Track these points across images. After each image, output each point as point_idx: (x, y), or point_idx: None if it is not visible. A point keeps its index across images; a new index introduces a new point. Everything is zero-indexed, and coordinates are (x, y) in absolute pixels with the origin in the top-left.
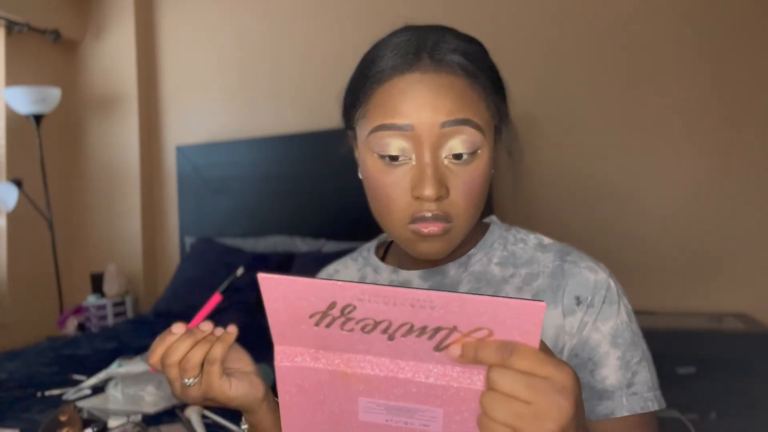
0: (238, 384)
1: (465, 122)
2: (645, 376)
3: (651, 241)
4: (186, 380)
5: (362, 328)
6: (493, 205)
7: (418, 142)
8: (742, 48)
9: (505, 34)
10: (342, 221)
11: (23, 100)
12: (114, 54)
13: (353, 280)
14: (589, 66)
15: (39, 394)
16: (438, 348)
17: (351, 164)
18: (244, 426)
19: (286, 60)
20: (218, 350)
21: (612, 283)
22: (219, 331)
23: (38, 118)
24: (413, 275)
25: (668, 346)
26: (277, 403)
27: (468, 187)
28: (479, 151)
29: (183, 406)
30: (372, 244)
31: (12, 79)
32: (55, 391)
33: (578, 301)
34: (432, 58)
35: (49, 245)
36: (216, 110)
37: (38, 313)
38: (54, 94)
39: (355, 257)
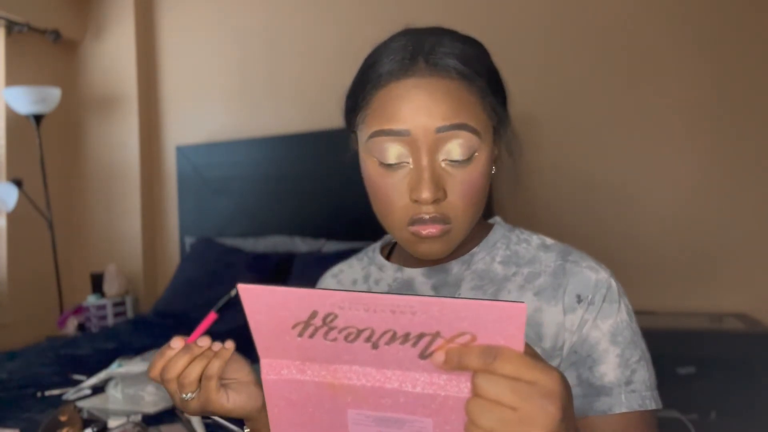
0: (236, 396)
1: (460, 126)
2: (644, 375)
3: (651, 241)
4: (184, 395)
5: (345, 338)
6: (492, 204)
7: (415, 146)
8: (742, 48)
9: (506, 34)
10: (342, 221)
11: (23, 100)
12: (114, 54)
13: (345, 288)
14: (589, 66)
15: (39, 394)
16: (423, 356)
17: (351, 164)
18: (247, 431)
19: (285, 60)
20: (215, 366)
21: (613, 283)
22: (217, 346)
23: (38, 118)
24: (416, 273)
25: (668, 346)
26: None
27: (465, 188)
28: (476, 154)
29: None
30: (377, 245)
31: (12, 79)
32: (55, 391)
33: (579, 299)
34: (428, 62)
35: (49, 245)
36: (216, 110)
37: (38, 313)
38: (54, 94)
39: (360, 257)
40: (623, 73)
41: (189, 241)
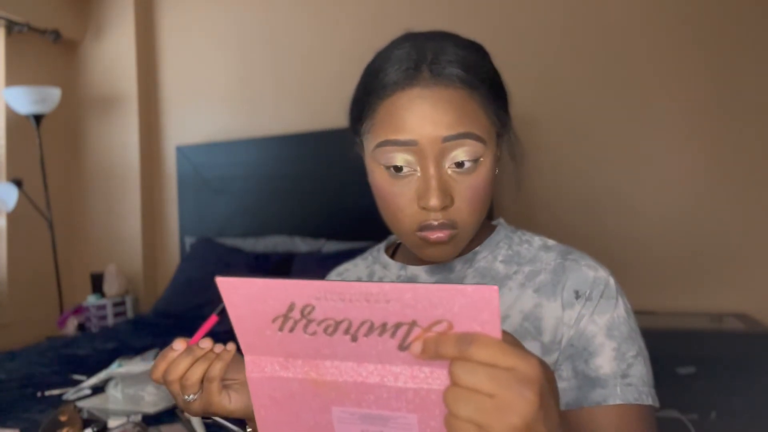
0: (238, 397)
1: (466, 135)
2: (641, 370)
3: (651, 241)
4: (186, 396)
5: (324, 330)
6: (493, 206)
7: (422, 155)
8: (741, 49)
9: (506, 35)
10: (342, 221)
11: (23, 100)
12: (114, 54)
13: (319, 280)
14: (589, 66)
15: (39, 394)
16: (401, 347)
17: (351, 164)
18: (249, 430)
19: (286, 60)
20: (217, 368)
21: (611, 281)
22: (219, 348)
23: (38, 118)
24: (420, 270)
25: (668, 346)
26: None
27: (471, 194)
28: (481, 159)
29: None
30: (382, 245)
31: (12, 79)
32: (55, 391)
33: (577, 295)
34: (432, 71)
35: (49, 245)
36: (216, 110)
37: (38, 313)
38: (54, 94)
39: (365, 257)
40: (624, 74)
41: (189, 241)
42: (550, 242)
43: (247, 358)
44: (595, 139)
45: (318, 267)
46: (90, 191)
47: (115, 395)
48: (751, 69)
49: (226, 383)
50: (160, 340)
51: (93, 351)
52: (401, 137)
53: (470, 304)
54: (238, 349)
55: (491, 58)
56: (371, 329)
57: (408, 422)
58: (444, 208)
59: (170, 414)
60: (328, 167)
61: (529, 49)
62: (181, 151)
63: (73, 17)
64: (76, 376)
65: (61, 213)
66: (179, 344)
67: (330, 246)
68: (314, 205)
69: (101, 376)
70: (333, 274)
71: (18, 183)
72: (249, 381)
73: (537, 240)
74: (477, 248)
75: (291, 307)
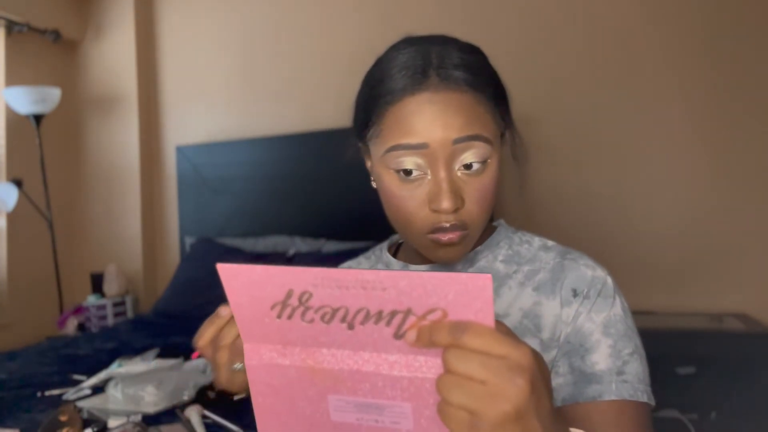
0: None
1: (475, 138)
2: (637, 368)
3: (651, 241)
4: (235, 366)
5: (321, 318)
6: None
7: (432, 158)
8: (741, 50)
9: (506, 36)
10: (342, 221)
11: (23, 100)
12: (114, 54)
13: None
14: (590, 66)
15: (39, 394)
16: (397, 335)
17: (351, 165)
18: None
19: (286, 60)
20: None
21: (609, 280)
22: None
23: (38, 118)
24: (422, 269)
25: (668, 346)
26: None
27: (480, 195)
28: (488, 161)
29: (183, 406)
30: (384, 244)
31: (12, 79)
32: (55, 391)
33: (575, 293)
34: (439, 76)
35: (49, 245)
36: (216, 110)
37: (38, 313)
38: (54, 94)
39: (368, 255)
40: (624, 73)
41: (189, 241)
42: (550, 243)
43: (245, 345)
44: (595, 139)
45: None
46: (90, 191)
47: (115, 395)
48: (751, 70)
49: None
50: (160, 340)
51: (93, 351)
52: (412, 141)
53: (464, 291)
54: None
55: (489, 61)
56: (367, 317)
57: (402, 411)
58: (456, 210)
59: (170, 414)
60: (328, 167)
61: (529, 49)
62: (181, 151)
63: (73, 17)
64: (76, 376)
65: (61, 213)
66: (225, 310)
67: (330, 246)
68: (314, 205)
69: (101, 376)
70: None
71: (18, 183)
72: (247, 369)
73: (537, 240)
74: (478, 248)
75: (289, 294)
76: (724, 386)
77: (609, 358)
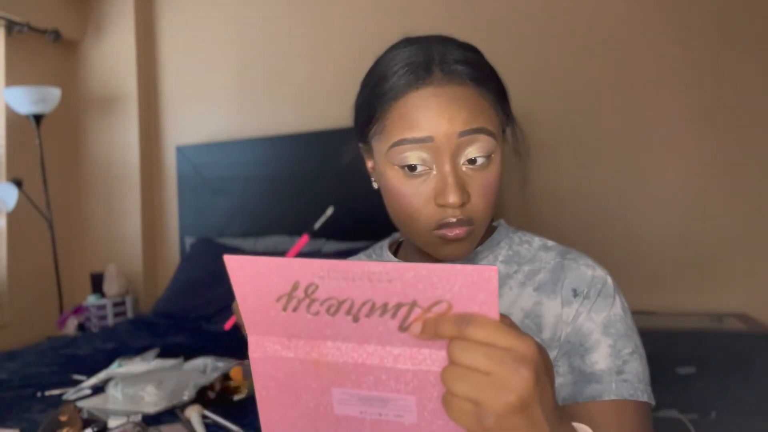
0: None
1: (480, 130)
2: (637, 367)
3: (651, 241)
4: None
5: (327, 310)
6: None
7: (437, 152)
8: (741, 51)
9: (507, 37)
10: (342, 221)
11: (23, 100)
12: (114, 54)
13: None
14: (590, 65)
15: (39, 394)
16: (402, 328)
17: (351, 165)
18: None
19: (285, 60)
20: None
21: (609, 280)
22: None
23: (38, 118)
24: None
25: (668, 346)
26: None
27: (485, 190)
28: (493, 155)
29: (183, 406)
30: (385, 242)
31: (12, 79)
32: (55, 391)
33: (575, 293)
34: (442, 71)
35: (49, 245)
36: (216, 110)
37: (38, 313)
38: (54, 94)
39: (368, 254)
40: (624, 73)
41: (189, 241)
42: (550, 243)
43: (250, 338)
44: (595, 138)
45: None
46: (90, 191)
47: (115, 395)
48: (750, 72)
49: None
50: (160, 340)
51: (93, 351)
52: (417, 134)
53: (469, 283)
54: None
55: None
56: (372, 309)
57: (406, 404)
58: (462, 204)
59: (170, 414)
60: (328, 167)
61: (529, 49)
62: (181, 151)
63: (73, 17)
64: (76, 376)
65: (61, 213)
66: None
67: (330, 246)
68: (314, 205)
69: (101, 376)
70: None
71: (18, 183)
72: (251, 361)
73: (537, 240)
74: (478, 248)
75: (295, 286)
76: (724, 386)
77: (609, 358)
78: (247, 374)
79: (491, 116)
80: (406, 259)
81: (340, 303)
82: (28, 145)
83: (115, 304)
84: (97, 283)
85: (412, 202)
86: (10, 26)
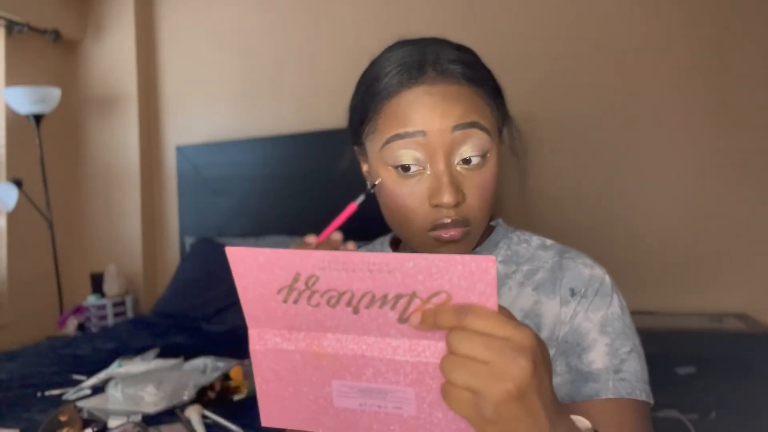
0: None
1: (474, 125)
2: (635, 366)
3: (651, 241)
4: None
5: (327, 302)
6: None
7: (431, 150)
8: (740, 52)
9: (506, 35)
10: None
11: (23, 100)
12: (114, 54)
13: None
14: (590, 65)
15: (39, 394)
16: (401, 319)
17: (350, 165)
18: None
19: (286, 60)
20: None
21: (607, 279)
22: (351, 245)
23: (38, 118)
24: None
25: (668, 346)
26: None
27: (481, 190)
28: (488, 155)
29: (183, 406)
30: (386, 238)
31: (12, 79)
32: (55, 391)
33: (573, 292)
34: (436, 70)
35: (49, 245)
36: (216, 110)
37: (38, 313)
38: (54, 94)
39: (369, 248)
40: (624, 72)
41: (189, 241)
42: (548, 242)
43: (251, 331)
44: (595, 138)
45: None
46: (90, 191)
47: (115, 395)
48: (750, 72)
49: None
50: (160, 340)
51: (93, 351)
52: (410, 129)
53: (468, 274)
54: (231, 348)
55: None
56: (372, 301)
57: (405, 396)
58: (457, 204)
59: (170, 414)
60: (329, 167)
61: (529, 48)
62: (181, 151)
63: (73, 17)
64: (76, 376)
65: (61, 213)
66: (312, 238)
67: None
68: (314, 205)
69: (101, 376)
70: None
71: (18, 183)
72: (252, 354)
73: (535, 239)
74: (477, 249)
75: (296, 278)
76: (724, 386)
77: (606, 357)
78: (247, 374)
79: (486, 113)
80: None
81: (341, 294)
82: (28, 145)
83: (115, 304)
84: (97, 283)
85: (406, 202)
86: (10, 26)
